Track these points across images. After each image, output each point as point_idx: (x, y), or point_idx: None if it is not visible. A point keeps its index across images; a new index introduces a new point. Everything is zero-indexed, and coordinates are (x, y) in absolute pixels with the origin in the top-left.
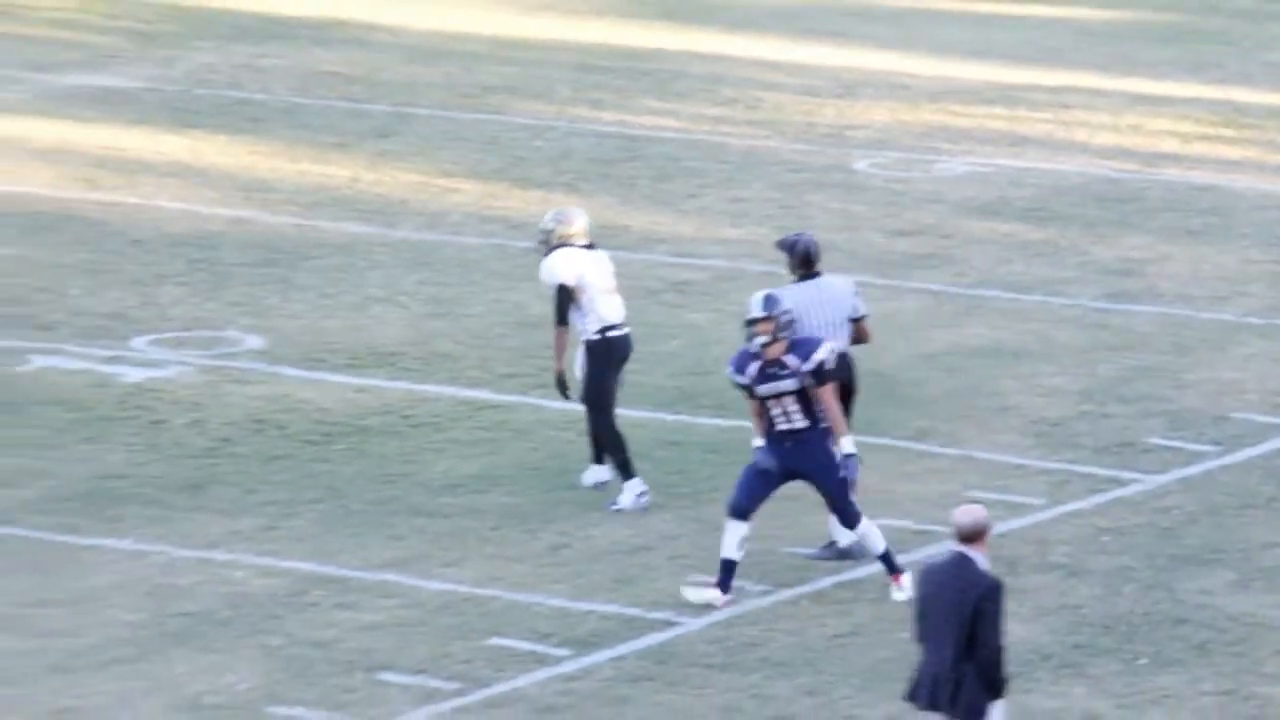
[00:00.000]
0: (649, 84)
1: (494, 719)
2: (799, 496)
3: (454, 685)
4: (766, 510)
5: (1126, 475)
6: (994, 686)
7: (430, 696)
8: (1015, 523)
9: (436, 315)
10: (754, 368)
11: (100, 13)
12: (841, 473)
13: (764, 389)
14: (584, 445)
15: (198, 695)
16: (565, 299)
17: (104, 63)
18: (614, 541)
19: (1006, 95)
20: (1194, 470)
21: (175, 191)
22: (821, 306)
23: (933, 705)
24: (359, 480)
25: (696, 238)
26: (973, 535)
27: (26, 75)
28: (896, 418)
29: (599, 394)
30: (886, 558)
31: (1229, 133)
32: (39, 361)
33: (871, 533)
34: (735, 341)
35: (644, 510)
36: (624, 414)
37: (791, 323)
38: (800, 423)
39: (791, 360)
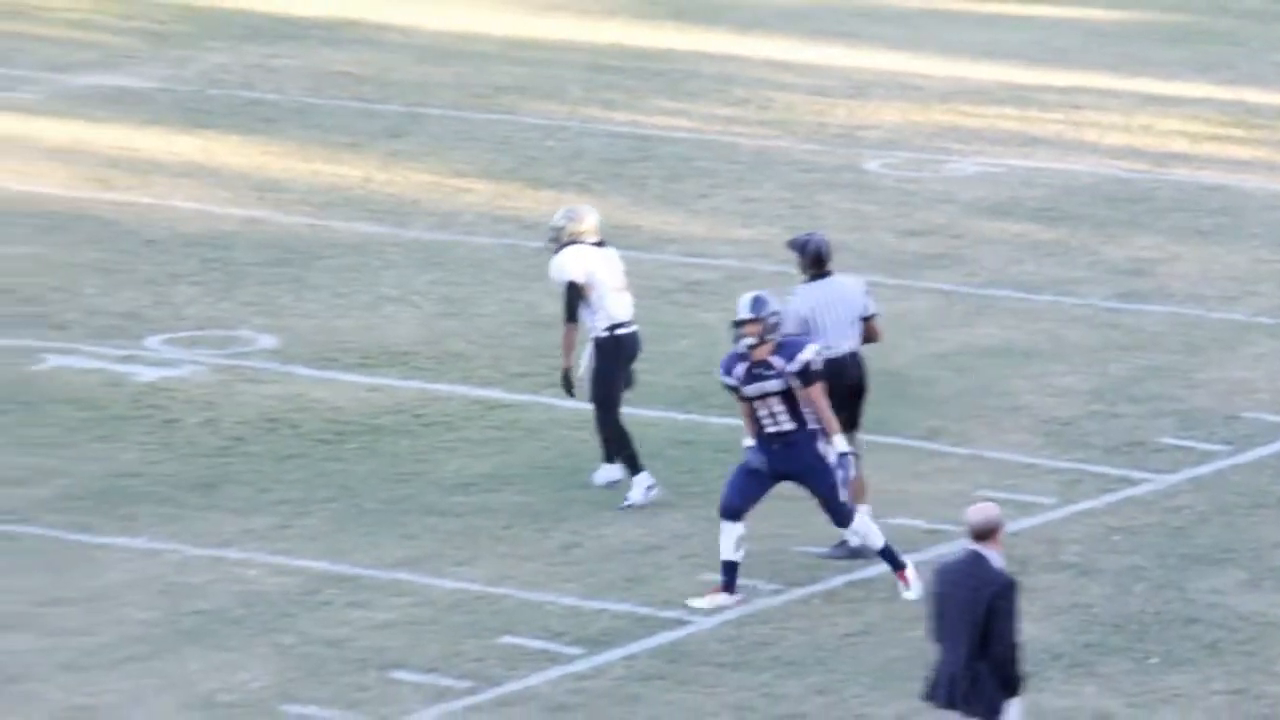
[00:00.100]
0: (661, 84)
1: (506, 717)
2: (808, 497)
3: (466, 684)
4: (778, 509)
5: (1137, 475)
6: (1010, 684)
7: (442, 695)
8: (1026, 522)
9: (449, 315)
10: (741, 369)
11: (114, 13)
12: (838, 472)
13: (750, 390)
14: (596, 444)
15: (211, 693)
16: (574, 296)
17: (117, 63)
18: (626, 540)
19: (1017, 95)
20: (1205, 470)
21: (188, 191)
22: (834, 306)
23: (950, 704)
24: (372, 479)
25: (708, 237)
26: (985, 533)
27: (41, 75)
28: (907, 417)
29: (605, 391)
30: (887, 553)
31: (1239, 133)
32: (53, 361)
33: (869, 530)
34: None
35: (653, 503)
36: (635, 413)
37: (779, 324)
38: (787, 425)
39: (777, 361)
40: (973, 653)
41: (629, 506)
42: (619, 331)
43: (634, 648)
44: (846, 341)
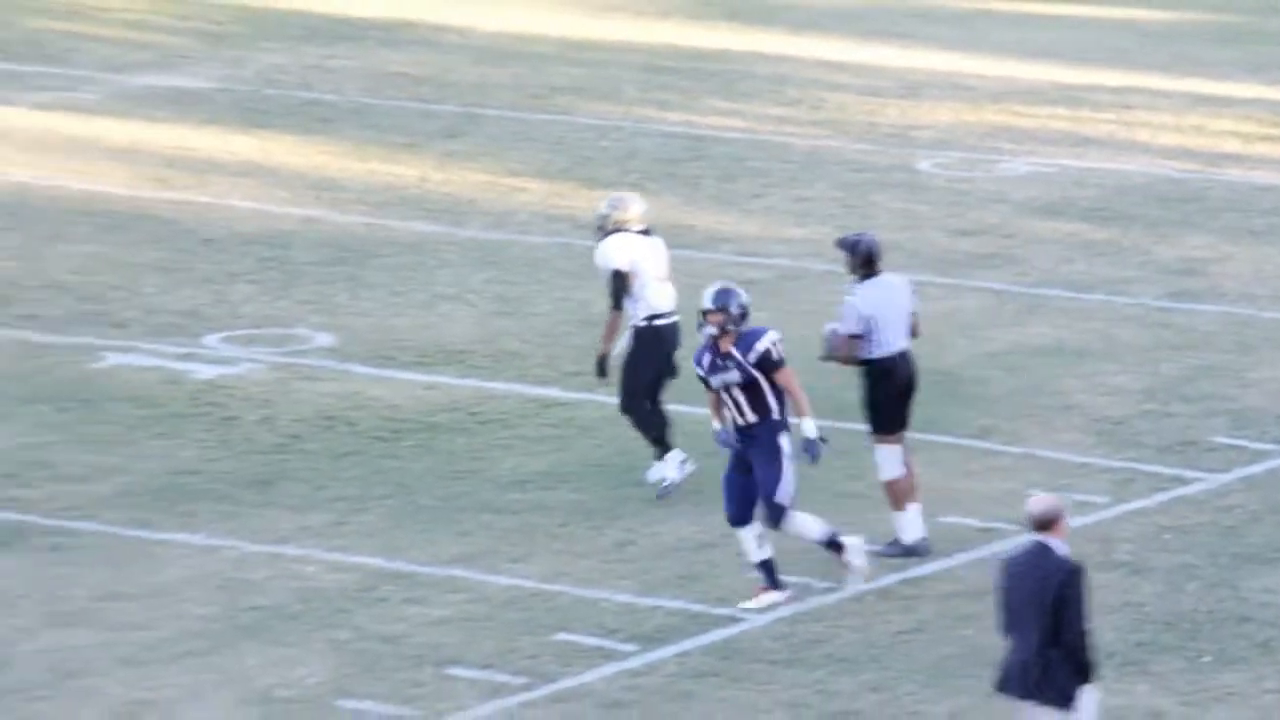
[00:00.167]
0: (714, 84)
1: (560, 714)
2: (863, 495)
3: (521, 680)
4: (830, 508)
5: (1189, 474)
6: (1083, 670)
7: (497, 691)
8: (1079, 521)
9: (504, 313)
10: (707, 359)
11: (172, 14)
12: (804, 455)
13: (714, 381)
14: (649, 443)
15: (268, 688)
16: (620, 284)
17: (176, 63)
18: (680, 538)
19: (1069, 96)
20: (1257, 469)
21: (246, 191)
22: (890, 305)
23: (1025, 693)
24: (428, 476)
25: (761, 237)
26: (1047, 522)
27: (100, 76)
28: (959, 416)
29: (631, 380)
30: (833, 543)
31: None
32: (113, 359)
33: (805, 523)
34: (798, 340)
35: (702, 495)
36: (686, 410)
37: (744, 316)
38: (750, 417)
39: (736, 353)
40: (1044, 641)
41: (668, 486)
42: (658, 322)
43: (687, 645)
44: (901, 340)
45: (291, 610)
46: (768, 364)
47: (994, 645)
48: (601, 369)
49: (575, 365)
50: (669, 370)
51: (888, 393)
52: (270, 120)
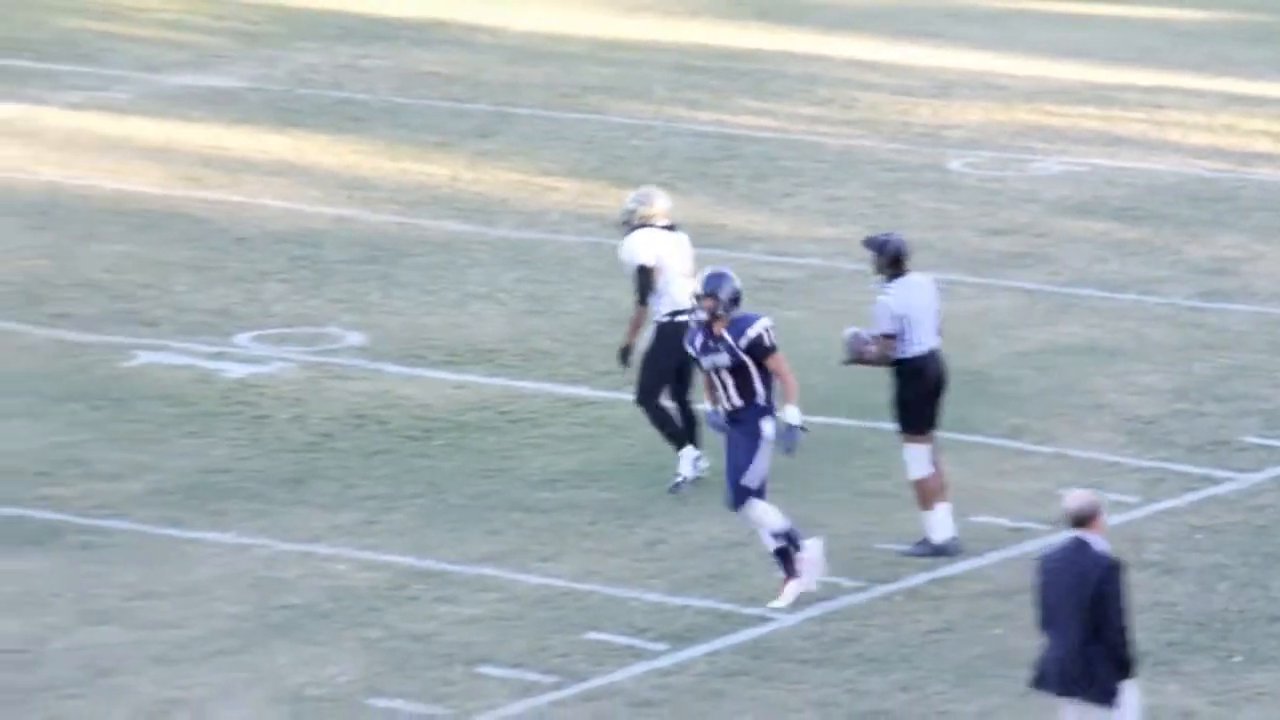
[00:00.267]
0: (746, 84)
1: (591, 712)
2: (890, 494)
3: (552, 679)
4: (860, 507)
5: (1221, 473)
6: (1124, 666)
7: (528, 689)
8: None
9: (535, 312)
10: (699, 341)
11: (206, 14)
12: (783, 441)
13: (705, 362)
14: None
15: (300, 687)
16: (645, 279)
17: (210, 63)
18: (710, 537)
19: (1101, 95)
20: None
21: (279, 190)
22: (922, 303)
23: (1065, 690)
24: (458, 475)
25: (792, 236)
26: (1084, 518)
27: (134, 75)
28: (991, 415)
29: (650, 375)
30: (781, 553)
31: None
32: (144, 357)
33: (767, 513)
34: (832, 339)
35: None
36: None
37: (735, 301)
38: (736, 400)
39: (728, 337)
40: (1084, 638)
41: (681, 482)
42: (680, 318)
43: (718, 644)
44: (931, 338)
45: (322, 609)
46: (759, 350)
47: (1024, 646)
48: (624, 358)
49: (605, 364)
50: (691, 364)
51: (918, 392)
52: (303, 119)
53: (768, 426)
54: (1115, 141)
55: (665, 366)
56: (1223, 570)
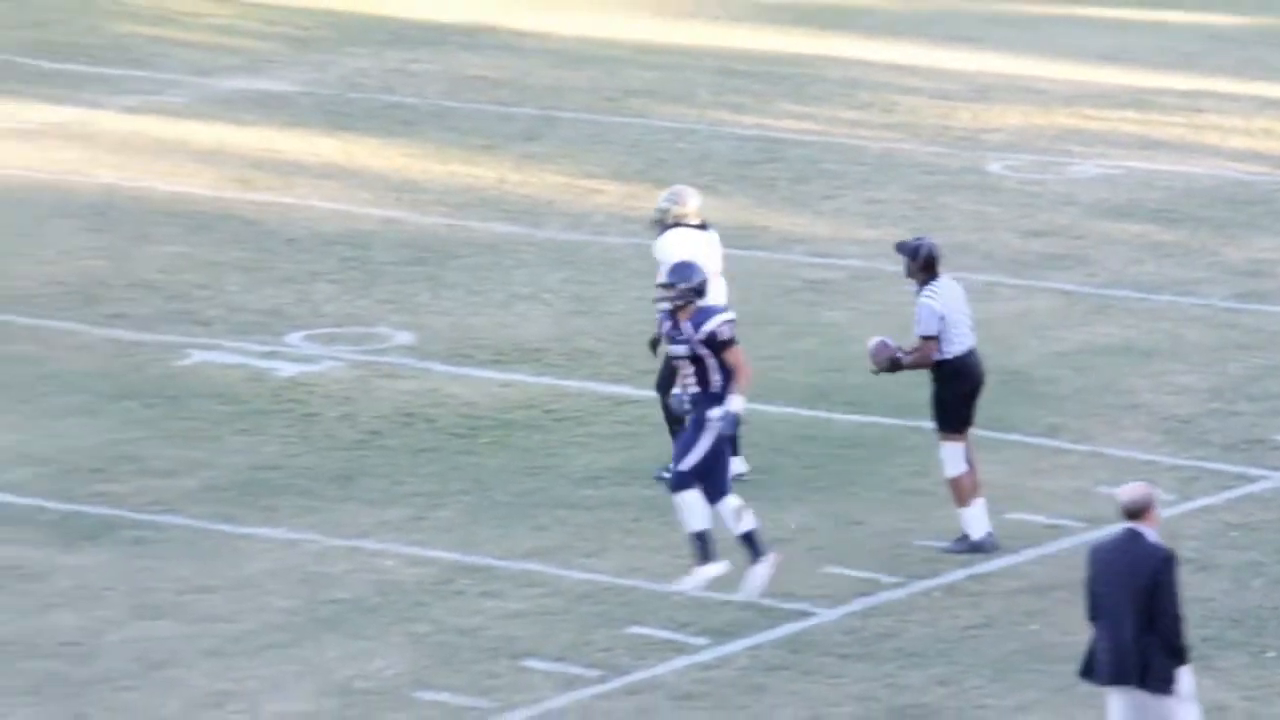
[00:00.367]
0: (788, 88)
1: (634, 706)
2: (928, 492)
3: (595, 672)
4: (898, 504)
5: (1255, 472)
6: (1178, 653)
7: (572, 683)
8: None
9: (579, 313)
10: (667, 327)
11: (258, 19)
12: (719, 424)
13: (670, 350)
14: None
15: (348, 680)
16: None
17: (262, 68)
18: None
19: (1139, 99)
20: None
21: (329, 192)
22: (959, 305)
23: (1117, 680)
24: (504, 473)
25: (833, 238)
26: (1138, 511)
27: (187, 79)
28: (1028, 414)
29: (671, 371)
30: (700, 537)
31: None
32: (198, 356)
33: (694, 508)
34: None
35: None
36: (761, 409)
37: (690, 292)
38: (694, 388)
39: (687, 328)
40: (1139, 628)
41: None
42: None
43: (758, 638)
44: (969, 338)
45: (371, 603)
46: (714, 343)
47: (1060, 641)
48: (654, 348)
49: (649, 364)
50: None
51: (957, 392)
52: (353, 123)
53: (715, 414)
54: (1153, 145)
55: None
56: (1257, 567)
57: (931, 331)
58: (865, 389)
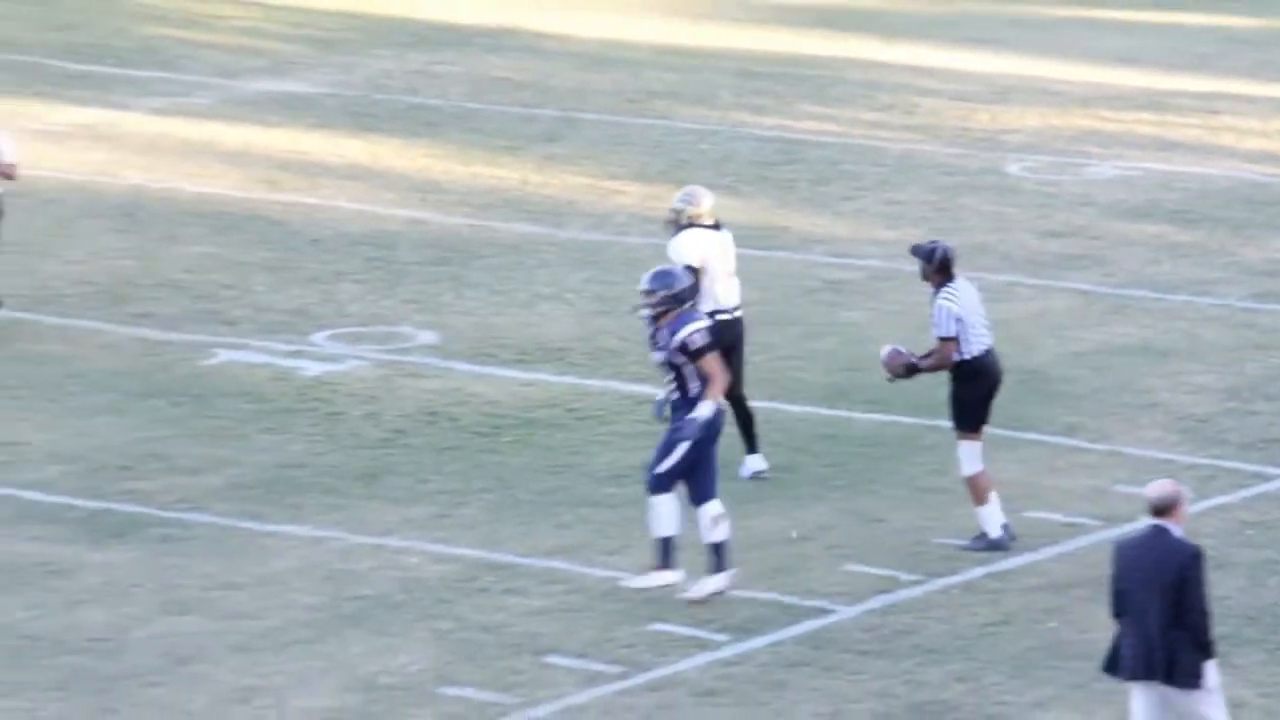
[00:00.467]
0: (808, 90)
1: (655, 701)
2: (948, 490)
3: (617, 669)
4: (917, 502)
5: (1271, 471)
6: (1205, 648)
7: (594, 679)
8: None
9: (602, 312)
10: (649, 334)
11: (284, 21)
12: (680, 434)
13: (651, 356)
14: (739, 438)
15: (372, 676)
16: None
17: (287, 69)
18: (771, 532)
19: (1156, 101)
20: None
21: (353, 193)
22: (975, 306)
23: (1143, 675)
24: (527, 471)
25: (853, 238)
26: (1165, 507)
27: (214, 81)
28: (1046, 414)
29: None
30: (664, 543)
31: None
32: (224, 355)
33: (665, 513)
34: (891, 339)
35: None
36: (782, 408)
37: (669, 299)
38: (675, 393)
39: (663, 336)
40: (1166, 623)
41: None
42: (720, 317)
43: (779, 635)
44: (987, 338)
45: (395, 600)
46: (686, 351)
47: (1078, 639)
48: None
49: None
50: (735, 360)
51: (976, 391)
52: (378, 124)
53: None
54: (1170, 146)
55: None
56: (1273, 565)
57: (950, 333)
58: (885, 388)
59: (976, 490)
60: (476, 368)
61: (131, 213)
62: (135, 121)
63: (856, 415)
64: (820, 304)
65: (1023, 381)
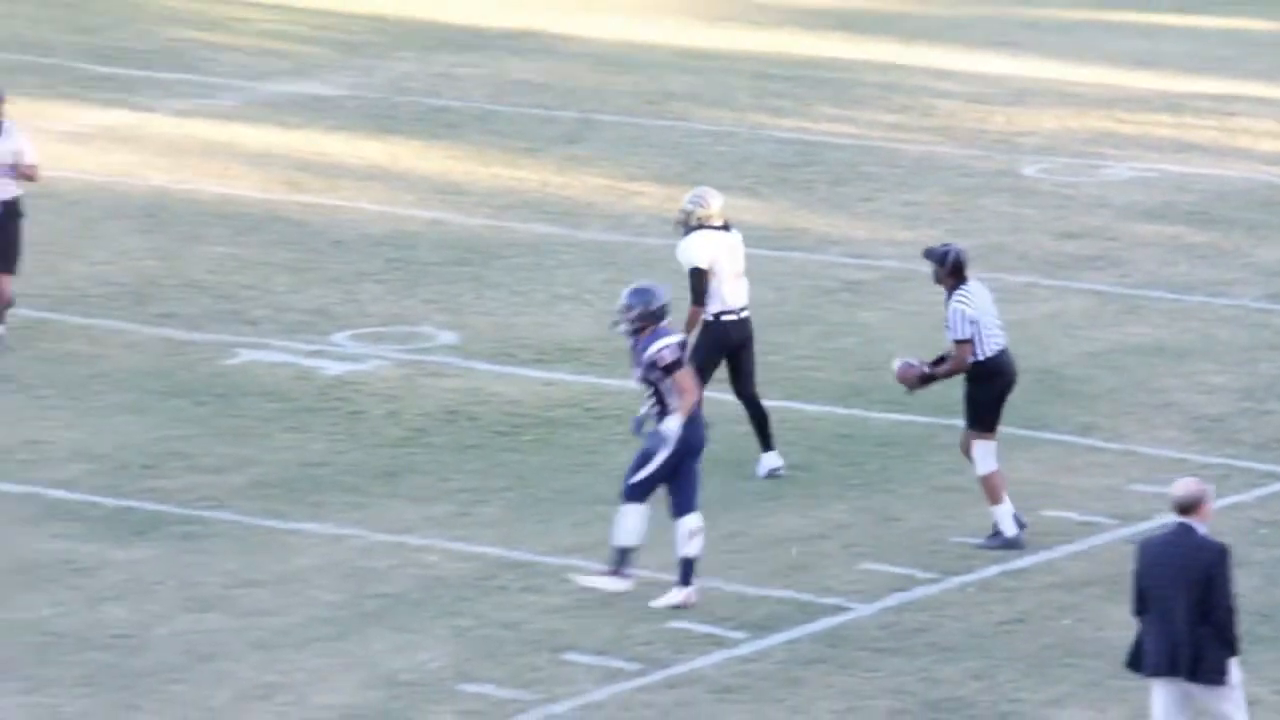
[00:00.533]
0: (826, 92)
1: (673, 698)
2: (965, 489)
3: (635, 666)
4: (931, 501)
5: None
6: (1230, 644)
7: (613, 676)
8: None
9: None
10: (630, 349)
11: (306, 24)
12: (652, 447)
13: (633, 373)
14: (756, 437)
15: (393, 672)
16: (699, 281)
17: (309, 72)
18: (788, 530)
19: (1172, 103)
20: None
21: (374, 194)
22: (989, 308)
23: (1168, 671)
24: (546, 470)
25: (871, 239)
26: (1190, 506)
27: (237, 83)
28: (1062, 413)
29: (695, 366)
30: (622, 552)
31: None
32: (246, 355)
33: (630, 524)
34: (908, 339)
35: (811, 494)
36: (799, 407)
37: (641, 317)
38: (654, 408)
39: (640, 349)
40: (1193, 620)
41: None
42: (725, 318)
43: (796, 633)
44: (1001, 338)
45: (415, 597)
46: (655, 367)
47: (1093, 637)
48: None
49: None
50: (745, 360)
51: (990, 391)
52: (398, 126)
53: (673, 435)
54: (1186, 148)
55: (708, 362)
56: None
57: (965, 336)
58: (901, 388)
59: (991, 489)
60: (496, 367)
61: (155, 214)
62: (159, 123)
63: (873, 415)
64: (838, 304)
65: (1039, 381)
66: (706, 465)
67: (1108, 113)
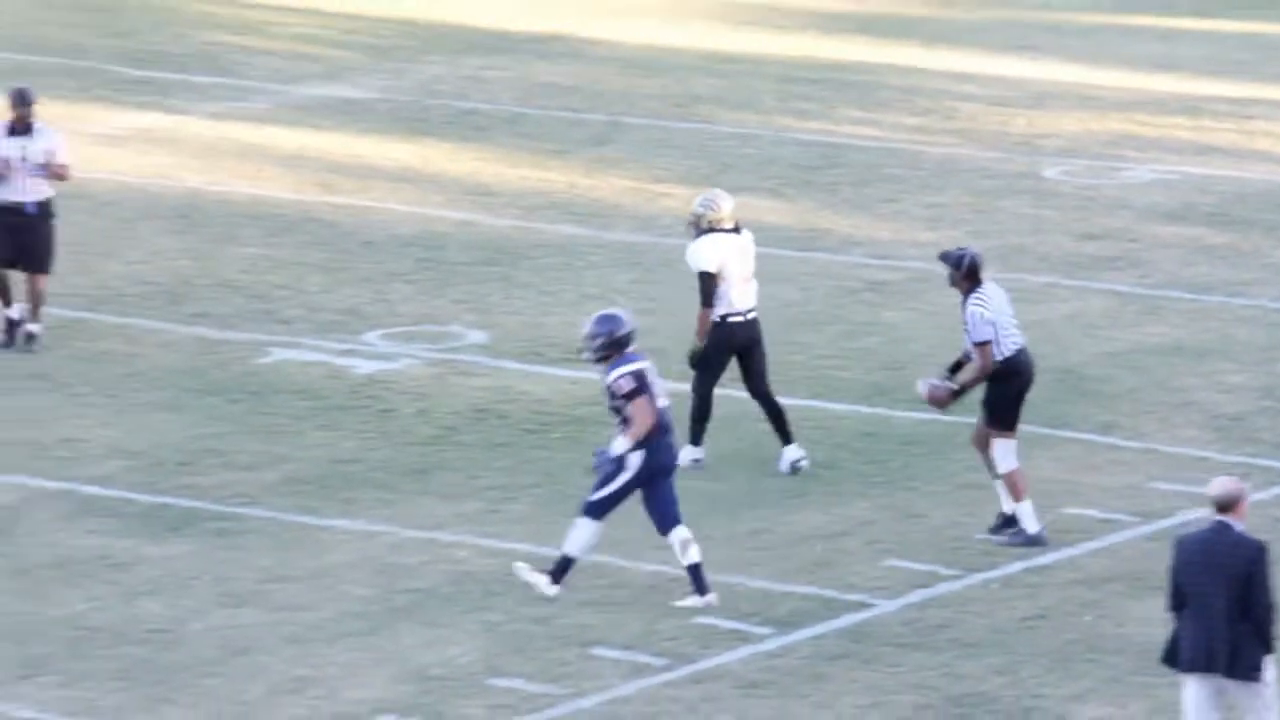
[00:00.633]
0: (850, 95)
1: (700, 693)
2: (988, 487)
3: (662, 661)
4: (954, 499)
5: None
6: (1268, 642)
7: (640, 671)
8: (1196, 514)
9: (647, 313)
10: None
11: (338, 28)
12: (594, 465)
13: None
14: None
15: (423, 667)
16: (709, 284)
17: (341, 75)
18: (813, 527)
19: (1191, 106)
20: None
21: (405, 195)
22: (1006, 309)
23: (1204, 666)
24: (574, 467)
25: (894, 240)
26: (1228, 504)
27: (270, 87)
28: (1083, 412)
29: (703, 367)
30: (565, 561)
31: None
32: (279, 354)
33: (583, 538)
34: (931, 339)
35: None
36: (823, 406)
37: (605, 346)
38: (618, 430)
39: (603, 375)
40: (1231, 617)
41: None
42: (731, 319)
43: (820, 628)
44: (1019, 338)
45: (445, 593)
46: (615, 395)
47: (1115, 633)
48: (692, 360)
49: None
50: (755, 360)
51: (1010, 390)
52: (429, 129)
53: (635, 459)
54: (1205, 150)
55: (715, 363)
56: None
57: (985, 338)
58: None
59: (1014, 486)
60: (525, 366)
61: (189, 215)
62: (193, 126)
63: (896, 413)
64: (861, 304)
65: (1060, 380)
66: (730, 464)
67: (1128, 115)
